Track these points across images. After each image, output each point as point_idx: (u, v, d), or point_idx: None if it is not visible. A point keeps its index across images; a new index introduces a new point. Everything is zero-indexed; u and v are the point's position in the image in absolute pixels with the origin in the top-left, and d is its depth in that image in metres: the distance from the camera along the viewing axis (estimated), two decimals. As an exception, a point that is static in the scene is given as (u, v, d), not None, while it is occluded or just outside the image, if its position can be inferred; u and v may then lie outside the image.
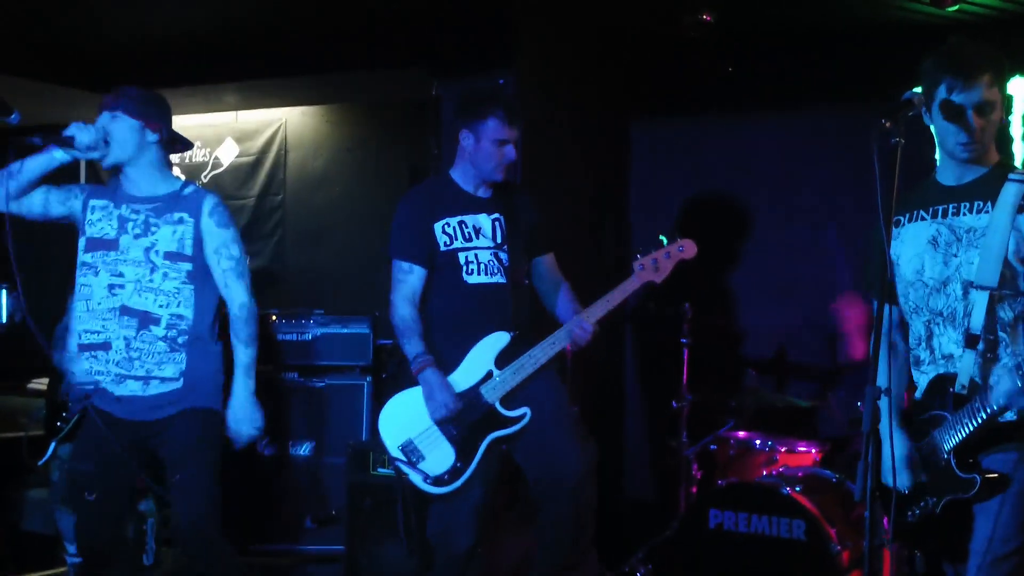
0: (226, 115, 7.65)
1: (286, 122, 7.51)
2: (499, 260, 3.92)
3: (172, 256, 3.66)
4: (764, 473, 4.77)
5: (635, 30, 5.72)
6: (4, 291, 6.34)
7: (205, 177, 7.73)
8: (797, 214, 5.94)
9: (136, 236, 3.69)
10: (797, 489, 4.38)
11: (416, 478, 3.86)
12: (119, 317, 3.64)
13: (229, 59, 6.34)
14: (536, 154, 5.65)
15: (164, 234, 3.67)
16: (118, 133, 3.67)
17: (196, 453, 3.69)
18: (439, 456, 3.85)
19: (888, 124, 2.90)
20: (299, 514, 5.15)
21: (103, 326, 3.66)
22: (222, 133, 7.69)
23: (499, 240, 3.93)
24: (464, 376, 3.87)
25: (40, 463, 4.54)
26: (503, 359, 3.85)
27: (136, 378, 3.65)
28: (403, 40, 5.87)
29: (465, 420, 3.84)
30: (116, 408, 3.68)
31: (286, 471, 5.24)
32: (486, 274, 3.91)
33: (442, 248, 3.91)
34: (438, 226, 3.92)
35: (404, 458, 3.87)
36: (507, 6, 5.45)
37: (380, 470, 4.83)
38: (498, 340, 3.86)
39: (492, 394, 3.84)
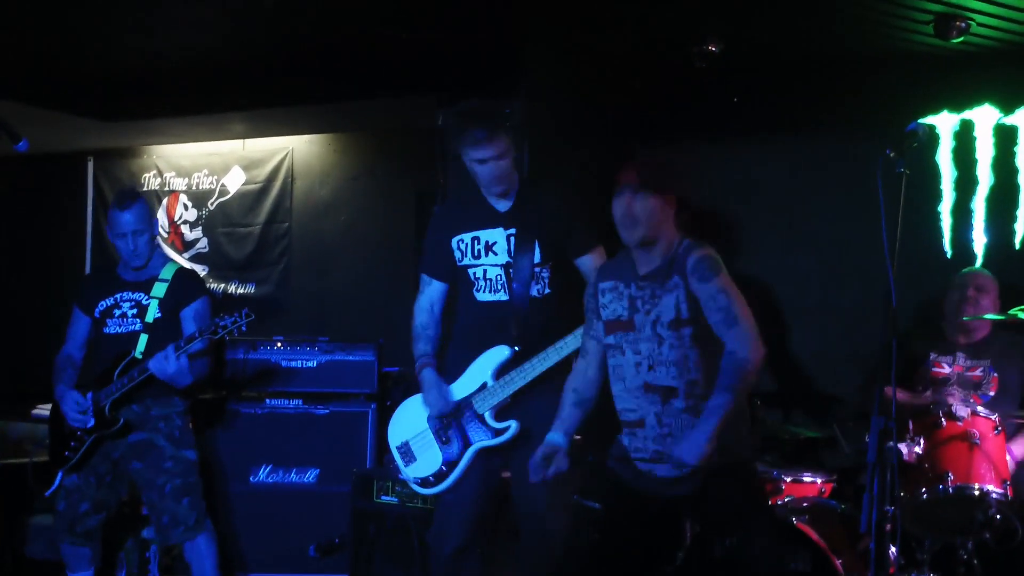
0: (233, 143, 7.69)
1: (293, 150, 7.54)
2: (508, 276, 3.95)
3: None
4: (770, 503, 4.74)
5: (641, 59, 5.75)
6: None
7: (212, 204, 7.76)
8: (802, 242, 5.94)
9: None
10: (803, 519, 4.35)
11: (407, 476, 4.10)
12: None
13: (237, 88, 6.38)
14: (542, 179, 5.67)
15: None
16: None
17: None
18: (428, 458, 4.03)
19: (893, 155, 2.91)
20: (302, 542, 5.13)
21: None
22: (229, 161, 7.73)
23: (512, 256, 3.96)
24: (463, 386, 4.00)
25: (47, 494, 4.55)
26: (502, 372, 3.94)
27: None
28: (409, 69, 5.90)
29: (456, 427, 3.99)
30: None
31: (289, 499, 5.22)
32: (491, 291, 3.97)
33: (458, 264, 4.03)
34: (454, 241, 4.02)
35: (400, 457, 4.10)
36: (512, 35, 5.48)
37: (384, 497, 4.82)
38: (498, 354, 3.94)
39: (482, 404, 3.95)
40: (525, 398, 3.91)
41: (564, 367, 3.86)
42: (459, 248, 4.00)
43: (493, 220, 3.99)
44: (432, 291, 4.09)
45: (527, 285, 3.96)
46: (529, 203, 4.00)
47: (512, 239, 3.95)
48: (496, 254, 3.96)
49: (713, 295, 3.30)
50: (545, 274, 3.98)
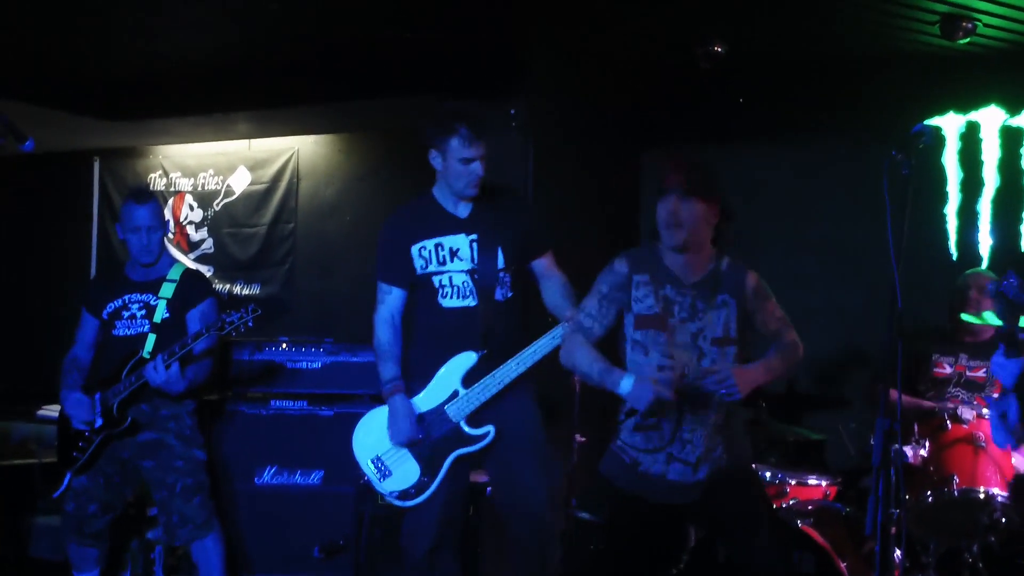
0: (239, 143, 7.70)
1: (298, 151, 7.54)
2: (473, 282, 3.96)
3: None
4: (774, 506, 4.74)
5: (644, 61, 5.74)
6: None
7: (217, 205, 7.76)
8: (807, 243, 5.93)
9: None
10: (807, 522, 4.34)
11: (384, 492, 4.03)
12: None
13: (242, 88, 6.39)
14: (547, 181, 5.67)
15: None
16: None
17: None
18: (405, 471, 3.98)
19: (899, 156, 2.91)
20: (307, 543, 5.13)
21: None
22: (235, 161, 7.74)
23: (476, 261, 3.96)
24: (432, 395, 3.98)
25: (56, 495, 4.55)
26: (470, 378, 3.93)
27: None
28: (413, 69, 5.90)
29: (431, 437, 3.96)
30: None
31: (294, 500, 5.22)
32: (459, 297, 3.96)
33: (419, 272, 3.99)
34: (415, 249, 3.98)
35: (374, 472, 4.03)
36: (518, 36, 5.48)
37: (388, 499, 4.81)
38: (466, 360, 3.93)
39: (457, 413, 3.93)
40: (497, 400, 3.91)
41: (533, 368, 3.89)
42: (421, 255, 3.97)
43: (454, 226, 3.98)
44: (392, 300, 4.04)
45: (493, 290, 3.98)
46: (488, 208, 4.00)
47: (475, 245, 3.96)
48: (461, 260, 3.96)
49: (772, 311, 3.57)
50: (507, 278, 4.00)
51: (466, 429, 3.93)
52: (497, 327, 3.95)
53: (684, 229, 3.41)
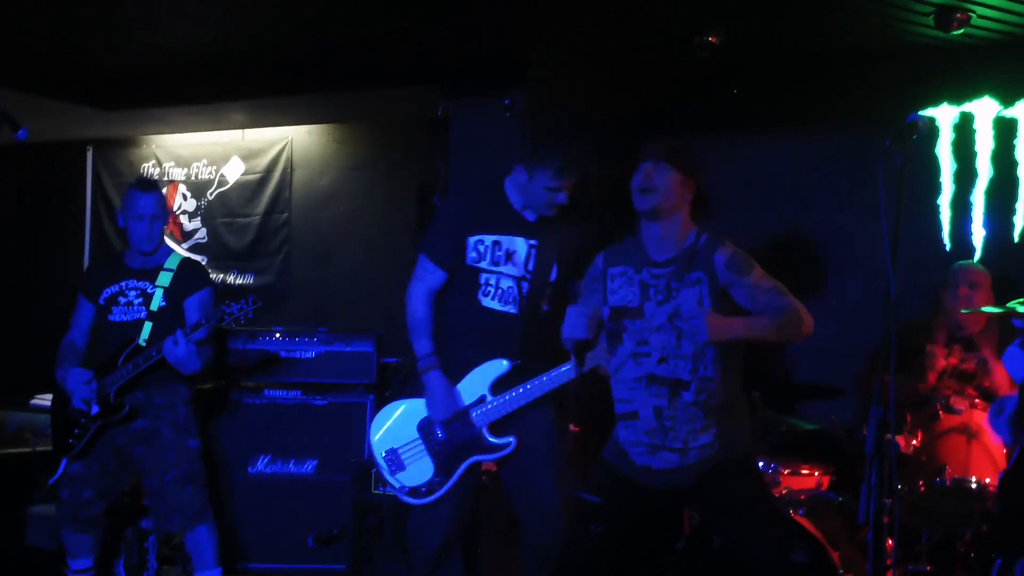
0: (233, 133, 7.69)
1: (292, 140, 7.53)
2: (519, 290, 3.90)
3: None
4: (773, 496, 4.75)
5: (643, 53, 5.74)
6: None
7: (211, 194, 7.75)
8: (804, 236, 5.93)
9: None
10: (800, 512, 4.36)
11: (395, 486, 3.97)
12: None
13: (236, 78, 6.37)
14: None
15: None
16: None
17: None
18: (419, 469, 3.93)
19: (893, 146, 2.91)
20: (301, 532, 5.14)
21: None
22: (228, 151, 7.72)
23: (529, 269, 3.90)
24: (460, 396, 3.92)
25: (51, 481, 4.55)
26: (499, 386, 3.88)
27: None
28: (411, 59, 5.89)
29: (451, 439, 3.91)
30: None
31: (288, 489, 5.23)
32: (500, 301, 3.91)
33: (468, 262, 3.90)
34: (472, 240, 3.89)
35: (386, 466, 3.97)
36: (515, 27, 5.47)
37: (382, 489, 4.82)
38: (496, 367, 3.88)
39: (481, 419, 3.89)
40: (520, 410, 3.88)
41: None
42: (476, 249, 3.88)
43: (518, 228, 3.90)
44: (433, 280, 3.94)
45: (537, 301, 3.93)
46: (556, 218, 3.93)
47: (533, 252, 3.90)
48: (514, 265, 3.89)
49: (756, 283, 3.39)
50: (549, 292, 3.96)
51: (488, 437, 3.89)
52: (534, 339, 3.91)
53: (657, 193, 3.41)
